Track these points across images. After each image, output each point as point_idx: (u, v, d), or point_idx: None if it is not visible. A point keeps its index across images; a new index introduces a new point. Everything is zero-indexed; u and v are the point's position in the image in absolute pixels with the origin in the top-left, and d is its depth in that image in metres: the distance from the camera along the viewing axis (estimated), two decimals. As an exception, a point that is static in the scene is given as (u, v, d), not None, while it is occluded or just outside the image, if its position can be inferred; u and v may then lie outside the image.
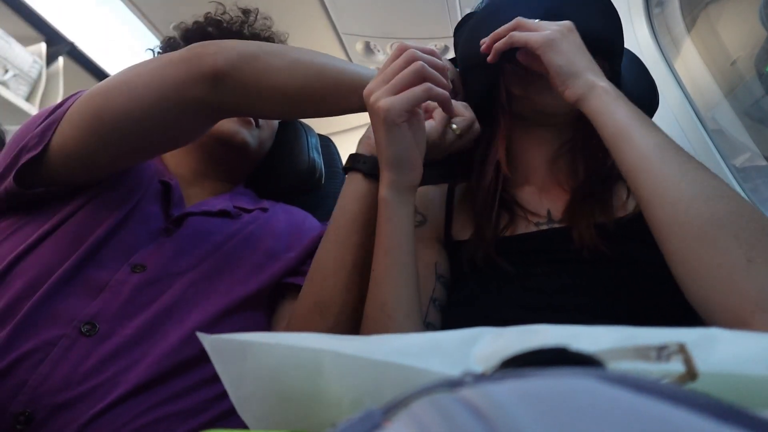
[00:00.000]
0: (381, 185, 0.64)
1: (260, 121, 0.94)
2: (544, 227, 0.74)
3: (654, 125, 0.60)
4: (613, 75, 0.76)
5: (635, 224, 0.69)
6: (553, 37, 0.63)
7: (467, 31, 0.85)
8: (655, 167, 0.55)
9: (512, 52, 0.74)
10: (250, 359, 0.32)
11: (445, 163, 0.98)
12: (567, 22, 0.67)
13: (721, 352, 0.26)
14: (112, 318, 0.62)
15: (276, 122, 1.02)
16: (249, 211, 0.88)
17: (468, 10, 0.90)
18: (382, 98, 0.60)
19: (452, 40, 0.93)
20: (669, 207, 0.52)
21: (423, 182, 1.03)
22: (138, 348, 0.60)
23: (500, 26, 0.75)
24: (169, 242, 0.74)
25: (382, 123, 0.60)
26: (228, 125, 0.88)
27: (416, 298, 0.64)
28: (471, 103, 0.84)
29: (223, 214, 0.84)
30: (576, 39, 0.66)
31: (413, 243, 0.65)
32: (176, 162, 0.92)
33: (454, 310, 0.75)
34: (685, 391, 0.15)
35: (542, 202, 0.77)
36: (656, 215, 0.54)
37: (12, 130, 2.17)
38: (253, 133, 0.92)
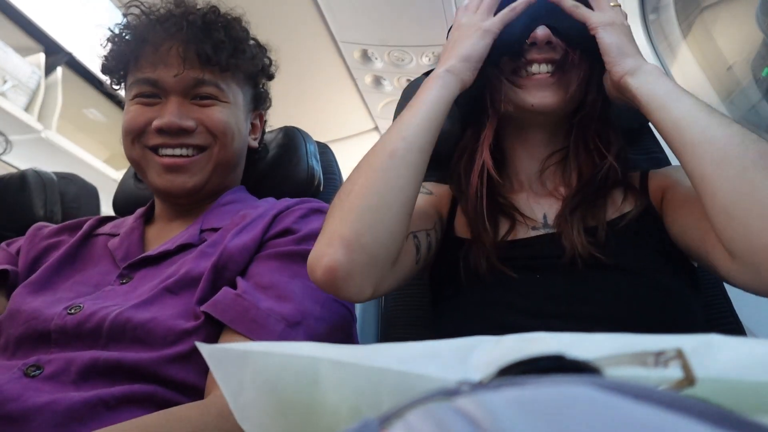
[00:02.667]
0: (438, 69, 0.72)
1: (203, 141, 0.82)
2: (541, 232, 0.74)
3: (696, 98, 0.64)
4: (605, 74, 0.77)
5: (630, 229, 0.69)
6: (613, 19, 0.70)
7: None
8: (702, 119, 0.59)
9: (498, 55, 0.75)
10: (249, 368, 0.32)
11: (444, 165, 0.99)
12: (622, 11, 0.74)
13: (719, 357, 0.26)
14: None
15: (233, 123, 0.86)
16: (217, 230, 0.80)
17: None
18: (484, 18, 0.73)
19: (449, 47, 0.93)
20: (718, 147, 0.56)
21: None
22: None
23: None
24: (115, 290, 0.72)
25: (479, 30, 0.72)
26: (157, 179, 0.81)
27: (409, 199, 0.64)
28: (460, 107, 0.85)
29: (182, 248, 0.78)
30: (628, 27, 0.72)
31: (436, 132, 0.69)
32: (157, 204, 0.91)
33: (453, 315, 0.74)
34: (682, 398, 0.15)
35: (535, 209, 0.77)
36: (704, 155, 0.57)
37: (17, 140, 2.17)
38: (194, 170, 0.81)
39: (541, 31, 0.72)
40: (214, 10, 0.87)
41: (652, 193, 0.75)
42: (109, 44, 0.87)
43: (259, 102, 0.98)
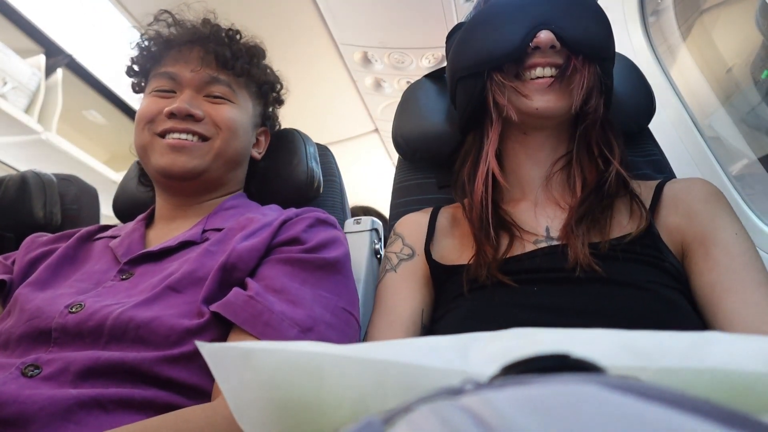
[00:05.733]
0: None
1: (207, 131, 0.86)
2: (543, 245, 0.73)
3: None
4: (605, 78, 0.77)
5: (634, 246, 0.68)
6: None
7: (456, 42, 0.85)
8: None
9: (501, 59, 0.75)
10: (250, 366, 0.32)
11: (443, 167, 0.98)
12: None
13: (718, 350, 0.26)
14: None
15: (238, 122, 0.90)
16: (220, 230, 0.81)
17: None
18: None
19: (449, 49, 0.93)
20: None
21: (422, 190, 1.05)
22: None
23: (490, 35, 0.76)
24: (116, 285, 0.73)
25: None
26: (160, 159, 0.83)
27: None
28: (462, 114, 0.85)
29: (184, 245, 0.79)
30: None
31: None
32: (158, 203, 0.92)
33: (447, 331, 0.73)
34: (689, 397, 0.15)
35: (539, 219, 0.76)
36: None
37: (17, 141, 2.17)
38: (195, 153, 0.84)
39: (545, 35, 0.72)
40: (237, 30, 0.97)
41: (665, 216, 0.73)
42: (137, 48, 0.94)
43: (267, 120, 1.05)
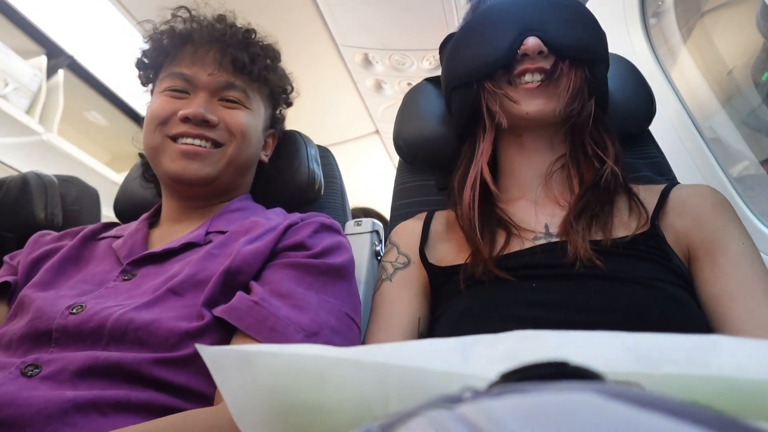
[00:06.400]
0: None
1: (221, 137, 0.85)
2: (542, 242, 0.73)
3: None
4: (597, 82, 0.78)
5: (638, 245, 0.68)
6: None
7: (448, 52, 0.87)
8: None
9: (490, 67, 0.76)
10: (251, 370, 0.32)
11: (443, 169, 0.99)
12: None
13: (723, 357, 0.26)
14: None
15: (251, 128, 0.90)
16: (224, 233, 0.81)
17: (465, 22, 0.91)
18: None
19: (450, 51, 0.94)
20: None
21: (422, 192, 1.05)
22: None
23: (479, 44, 0.77)
24: (118, 286, 0.73)
25: None
26: (172, 164, 0.82)
27: None
28: (458, 123, 0.86)
29: (187, 247, 0.78)
30: None
31: None
32: (164, 203, 0.92)
33: (447, 326, 0.73)
34: (688, 405, 0.15)
35: (538, 217, 0.76)
36: None
37: (18, 143, 2.17)
38: (208, 161, 0.83)
39: (532, 41, 0.74)
40: (253, 29, 0.95)
41: (672, 220, 0.72)
42: (150, 41, 0.91)
43: (275, 123, 1.04)
